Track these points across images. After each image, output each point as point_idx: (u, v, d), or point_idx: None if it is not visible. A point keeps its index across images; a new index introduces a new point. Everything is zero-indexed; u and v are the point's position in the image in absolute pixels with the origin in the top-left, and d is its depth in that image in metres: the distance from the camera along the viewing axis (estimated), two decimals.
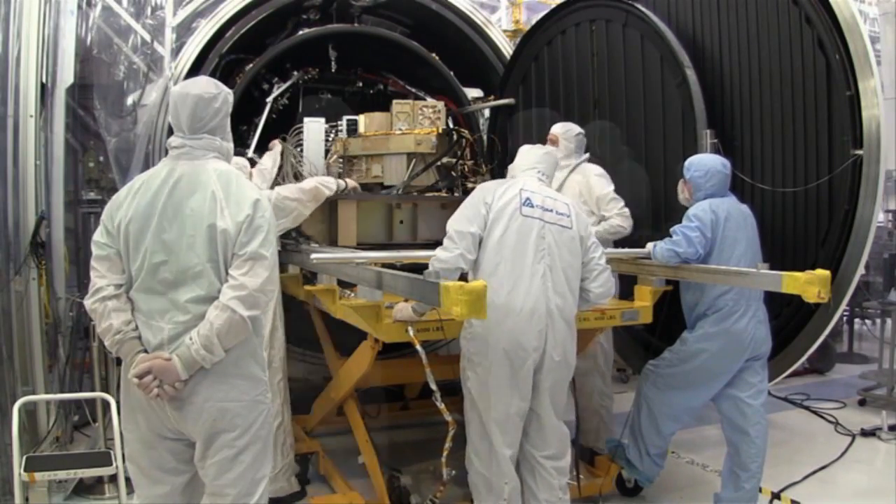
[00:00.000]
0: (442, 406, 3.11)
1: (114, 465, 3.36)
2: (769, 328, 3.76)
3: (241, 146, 5.53)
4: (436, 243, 3.30)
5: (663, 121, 4.62)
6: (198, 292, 2.36)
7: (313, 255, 3.35)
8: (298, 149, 5.71)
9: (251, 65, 5.67)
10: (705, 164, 3.80)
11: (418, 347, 3.11)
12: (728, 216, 3.69)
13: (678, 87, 4.46)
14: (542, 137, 4.67)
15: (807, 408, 5.97)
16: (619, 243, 4.32)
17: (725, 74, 4.48)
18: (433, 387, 3.10)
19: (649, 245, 3.78)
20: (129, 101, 5.51)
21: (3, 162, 4.14)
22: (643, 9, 4.74)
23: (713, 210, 3.69)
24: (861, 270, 4.05)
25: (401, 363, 3.14)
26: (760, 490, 3.90)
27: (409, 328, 3.13)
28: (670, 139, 4.56)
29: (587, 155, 4.59)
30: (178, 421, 2.40)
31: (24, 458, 3.33)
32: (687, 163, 3.86)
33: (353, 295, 3.57)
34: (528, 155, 3.57)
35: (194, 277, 2.37)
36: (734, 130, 4.42)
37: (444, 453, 3.24)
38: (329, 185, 4.31)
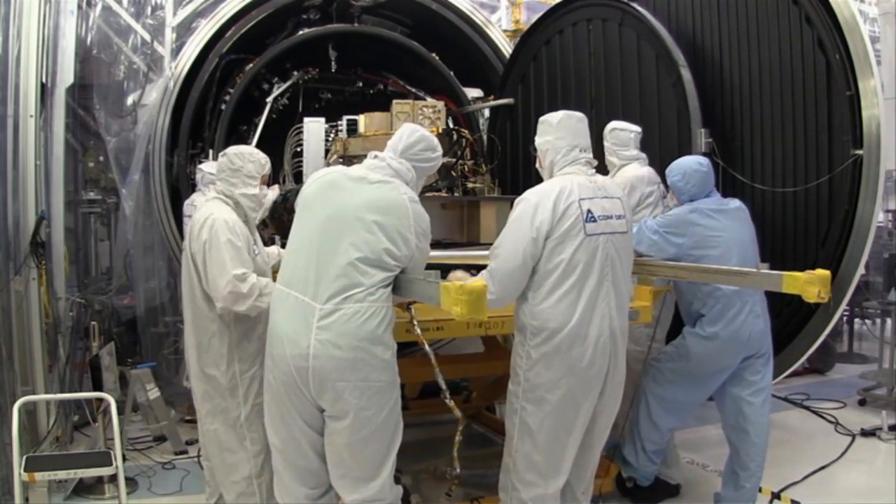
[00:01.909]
0: (451, 403, 3.02)
1: (114, 465, 3.35)
2: (768, 321, 3.73)
3: None
4: (436, 243, 3.29)
5: (659, 119, 4.62)
6: None
7: None
8: (298, 149, 5.73)
9: (251, 65, 5.68)
10: (682, 166, 3.75)
11: (427, 348, 2.99)
12: (711, 214, 3.65)
13: (673, 86, 4.47)
14: None
15: (807, 408, 5.97)
16: None
17: (725, 74, 4.48)
18: (442, 385, 3.02)
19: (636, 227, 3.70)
20: (129, 101, 5.51)
21: (3, 162, 4.14)
22: (639, 8, 4.75)
23: (684, 216, 3.66)
24: (861, 270, 4.05)
25: (401, 363, 3.12)
26: (760, 490, 3.90)
27: (417, 328, 3.01)
28: (666, 138, 4.56)
29: (643, 155, 4.23)
30: None
31: (24, 458, 3.32)
32: (667, 170, 3.83)
33: None
34: (561, 130, 3.12)
35: None
36: (734, 130, 4.43)
37: (456, 447, 3.11)
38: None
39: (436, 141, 3.07)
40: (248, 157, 3.38)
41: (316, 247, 2.79)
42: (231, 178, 3.35)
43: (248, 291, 3.08)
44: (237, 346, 3.24)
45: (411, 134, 3.01)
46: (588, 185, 3.05)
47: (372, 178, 2.88)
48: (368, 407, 2.74)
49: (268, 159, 3.47)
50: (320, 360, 2.69)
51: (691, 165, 3.74)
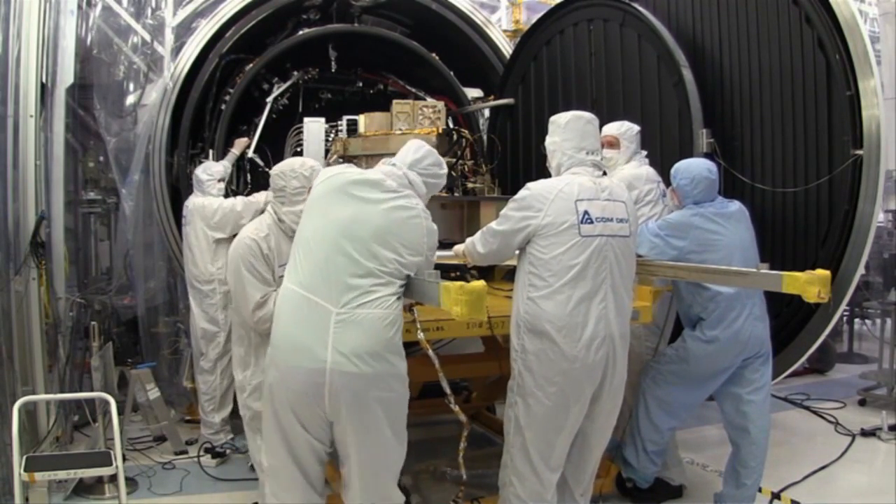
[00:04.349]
0: (457, 408, 3.02)
1: (114, 465, 3.34)
2: (767, 324, 3.73)
3: None
4: None
5: (660, 120, 4.62)
6: None
7: None
8: (298, 149, 5.72)
9: (251, 65, 5.67)
10: (691, 171, 3.72)
11: (430, 353, 2.97)
12: (713, 218, 3.65)
13: (675, 86, 4.47)
14: (541, 135, 4.67)
15: (807, 408, 5.97)
16: None
17: (725, 74, 4.48)
18: (447, 390, 3.00)
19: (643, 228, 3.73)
20: (129, 101, 5.51)
21: (3, 162, 4.14)
22: (640, 8, 4.75)
23: (686, 219, 3.66)
24: (861, 270, 4.05)
25: None
26: (760, 490, 3.90)
27: (420, 333, 3.00)
28: (667, 138, 4.56)
29: (643, 152, 4.25)
30: None
31: (24, 458, 3.32)
32: (673, 170, 3.80)
33: None
34: (569, 132, 3.16)
35: None
36: (734, 130, 4.43)
37: (461, 453, 3.17)
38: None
39: (441, 159, 3.09)
40: (291, 174, 3.42)
41: (331, 252, 2.74)
42: (280, 197, 3.41)
43: (268, 315, 3.11)
44: (254, 352, 3.31)
45: (418, 149, 3.02)
46: (591, 186, 3.06)
47: (389, 184, 2.85)
48: (385, 420, 2.73)
49: (314, 166, 3.46)
50: (335, 375, 2.64)
51: (701, 172, 3.71)
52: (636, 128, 4.19)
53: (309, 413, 2.74)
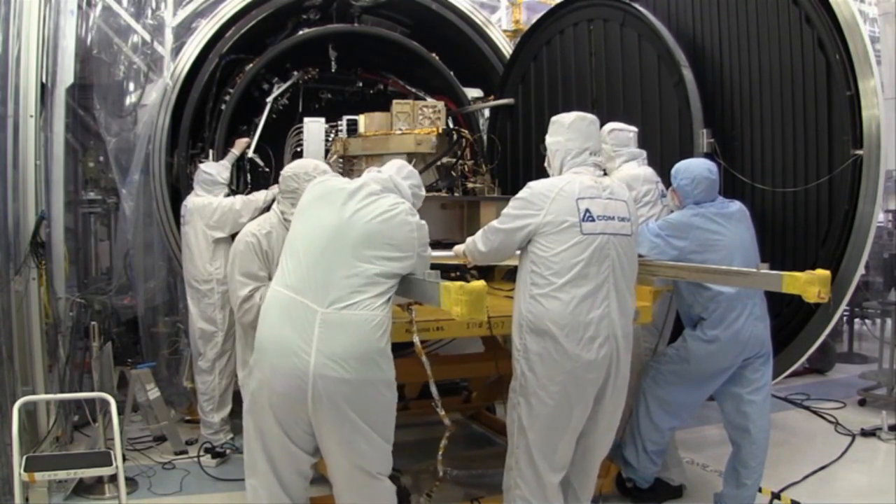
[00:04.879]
0: (442, 413, 3.04)
1: (114, 465, 3.34)
2: (768, 324, 3.74)
3: None
4: (436, 243, 3.29)
5: (661, 120, 4.62)
6: None
7: None
8: (298, 149, 5.72)
9: (251, 65, 5.67)
10: (692, 171, 3.73)
11: (423, 359, 2.98)
12: (714, 218, 3.65)
13: (675, 86, 4.47)
14: (541, 135, 4.66)
15: (807, 408, 5.97)
16: None
17: (725, 74, 4.48)
18: (435, 395, 3.01)
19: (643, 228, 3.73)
20: (129, 101, 5.51)
21: (3, 162, 4.14)
22: (640, 8, 4.75)
23: (686, 220, 3.66)
24: (861, 270, 4.05)
25: (400, 363, 3.13)
26: (760, 490, 3.90)
27: (416, 337, 2.99)
28: (668, 138, 4.56)
29: (638, 151, 4.17)
30: None
31: (24, 458, 3.32)
32: (673, 170, 3.80)
33: None
34: (573, 132, 3.17)
35: None
36: (734, 130, 4.43)
37: (440, 451, 3.17)
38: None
39: (421, 181, 3.18)
40: (304, 176, 3.40)
41: (319, 256, 2.75)
42: (290, 198, 3.38)
43: (252, 309, 3.21)
44: (251, 351, 3.29)
45: (402, 167, 3.09)
46: (592, 184, 3.08)
47: (373, 187, 2.87)
48: (370, 423, 2.71)
49: (326, 170, 3.47)
50: (318, 378, 2.62)
51: (702, 172, 3.71)
52: (607, 127, 4.12)
53: (292, 417, 2.72)
